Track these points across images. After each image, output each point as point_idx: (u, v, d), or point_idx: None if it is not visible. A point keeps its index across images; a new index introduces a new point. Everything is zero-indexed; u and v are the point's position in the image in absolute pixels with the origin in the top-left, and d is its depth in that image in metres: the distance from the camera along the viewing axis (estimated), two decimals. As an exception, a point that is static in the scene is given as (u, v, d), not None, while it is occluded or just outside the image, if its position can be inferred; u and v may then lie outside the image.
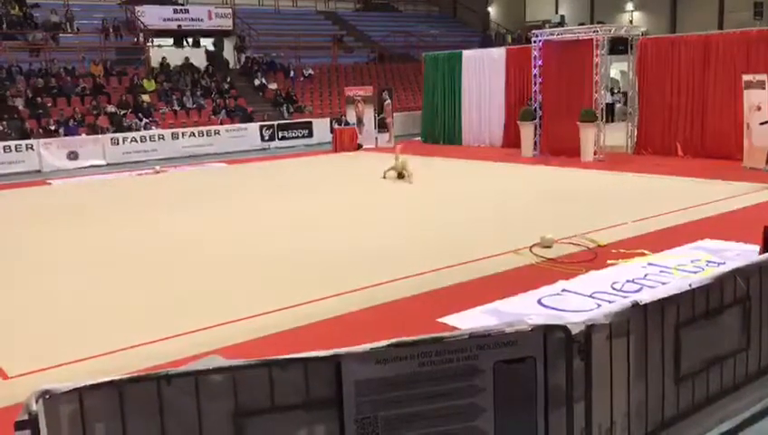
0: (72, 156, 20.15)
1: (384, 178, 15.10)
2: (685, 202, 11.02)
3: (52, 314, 6.96)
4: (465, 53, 22.14)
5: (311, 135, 24.59)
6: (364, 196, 13.70)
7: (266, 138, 23.68)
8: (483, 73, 21.21)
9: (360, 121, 22.83)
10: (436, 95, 22.69)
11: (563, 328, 3.23)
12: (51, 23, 25.54)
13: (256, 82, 27.23)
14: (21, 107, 21.41)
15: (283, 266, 8.38)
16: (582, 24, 28.79)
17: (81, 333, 6.33)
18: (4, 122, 20.31)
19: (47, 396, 2.70)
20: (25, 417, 2.63)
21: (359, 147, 21.99)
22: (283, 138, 24.00)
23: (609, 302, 6.32)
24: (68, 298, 7.45)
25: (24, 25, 25.19)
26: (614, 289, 6.88)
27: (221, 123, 23.49)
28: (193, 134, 22.29)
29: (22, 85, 22.32)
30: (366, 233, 10.06)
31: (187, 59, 26.36)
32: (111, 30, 26.26)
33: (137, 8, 26.97)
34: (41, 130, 20.66)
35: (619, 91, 26.58)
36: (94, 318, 6.77)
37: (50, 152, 19.87)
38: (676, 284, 4.53)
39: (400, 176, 14.96)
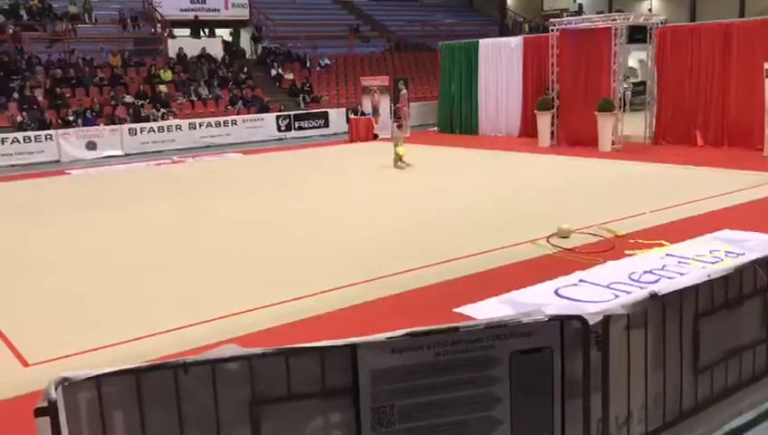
0: (91, 146, 20.31)
1: (395, 167, 15.13)
2: (704, 192, 10.91)
3: (71, 302, 7.03)
4: (482, 42, 21.99)
5: (327, 125, 24.59)
6: (379, 185, 13.69)
7: (283, 128, 23.71)
8: (500, 63, 21.07)
9: (375, 111, 22.79)
10: (453, 85, 22.58)
11: (580, 318, 3.21)
12: (69, 13, 25.69)
13: (273, 73, 27.24)
14: (40, 97, 21.59)
15: (299, 255, 8.40)
16: (601, 12, 28.50)
17: (99, 322, 6.39)
18: (24, 113, 20.50)
19: (66, 383, 2.73)
20: (45, 404, 2.66)
21: (374, 137, 21.95)
22: (300, 128, 24.03)
23: (627, 293, 6.27)
24: (86, 286, 7.52)
25: (44, 16, 25.36)
26: (632, 280, 6.82)
27: (238, 113, 23.55)
28: (210, 124, 22.37)
29: (41, 76, 22.50)
30: (381, 222, 10.06)
31: (203, 49, 26.41)
32: (129, 20, 26.38)
33: (154, -2, 27.08)
34: (59, 121, 20.82)
35: (627, 78, 26.20)
36: (112, 306, 6.83)
37: (68, 142, 20.03)
38: (695, 274, 4.49)
39: (401, 160, 15.18)
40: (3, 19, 24.02)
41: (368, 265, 7.70)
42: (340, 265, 7.88)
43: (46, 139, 19.73)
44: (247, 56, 28.81)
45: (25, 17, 24.80)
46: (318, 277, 7.32)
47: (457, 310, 6.14)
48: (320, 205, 11.74)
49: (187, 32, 28.10)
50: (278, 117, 23.81)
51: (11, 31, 23.48)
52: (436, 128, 23.37)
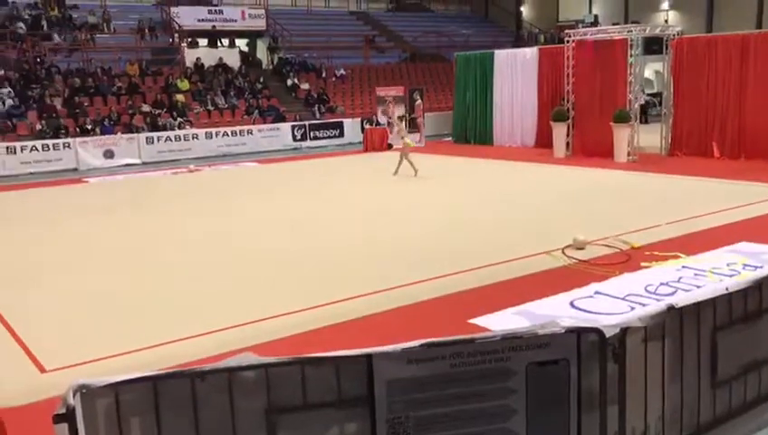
0: (108, 154, 20.47)
1: (415, 175, 15.17)
2: (721, 204, 10.83)
3: (88, 309, 7.08)
4: (498, 52, 22.01)
5: (342, 135, 24.65)
6: (393, 195, 13.70)
7: (298, 138, 23.80)
8: (515, 73, 21.07)
9: (390, 122, 22.82)
10: (468, 95, 22.60)
11: (597, 331, 3.20)
12: (88, 23, 25.99)
13: (289, 83, 27.38)
14: (59, 106, 21.82)
15: (314, 265, 8.42)
16: (616, 23, 28.43)
17: (116, 329, 6.43)
18: (43, 121, 20.72)
19: (84, 390, 2.75)
20: (63, 410, 2.69)
21: (389, 147, 21.98)
22: (315, 137, 24.10)
23: (643, 305, 6.24)
24: (103, 294, 7.57)
25: (63, 26, 25.65)
26: (648, 292, 6.78)
27: (254, 123, 23.68)
28: (226, 134, 22.50)
29: (60, 85, 22.74)
30: (397, 233, 10.06)
31: (220, 59, 26.61)
32: (147, 30, 26.64)
33: (172, 9, 27.33)
34: (78, 129, 21.02)
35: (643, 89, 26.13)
36: (129, 314, 6.87)
37: (86, 151, 20.20)
38: (712, 287, 4.46)
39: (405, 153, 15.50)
40: (24, 29, 24.33)
41: (381, 276, 7.70)
42: (354, 275, 7.89)
43: (64, 147, 19.91)
44: (264, 66, 28.98)
45: (46, 27, 25.10)
46: (331, 287, 7.33)
47: (472, 321, 6.12)
48: (333, 215, 11.77)
49: (204, 41, 28.31)
50: (293, 126, 23.90)
51: (31, 41, 23.78)
52: (450, 138, 23.38)
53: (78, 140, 20.26)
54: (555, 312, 6.18)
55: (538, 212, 11.22)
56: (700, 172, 14.17)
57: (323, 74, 28.41)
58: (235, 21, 28.73)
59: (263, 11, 30.15)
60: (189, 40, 26.79)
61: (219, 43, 27.97)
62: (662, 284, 7.00)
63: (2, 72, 22.18)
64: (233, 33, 28.47)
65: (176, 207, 13.30)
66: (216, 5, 29.90)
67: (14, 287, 7.99)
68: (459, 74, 23.02)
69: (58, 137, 20.22)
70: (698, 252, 8.10)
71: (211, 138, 22.12)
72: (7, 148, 19.10)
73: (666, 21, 32.23)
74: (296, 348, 5.12)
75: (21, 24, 24.49)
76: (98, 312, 6.97)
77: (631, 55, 16.83)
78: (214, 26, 27.94)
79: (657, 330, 3.44)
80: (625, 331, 3.26)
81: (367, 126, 22.78)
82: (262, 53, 29.92)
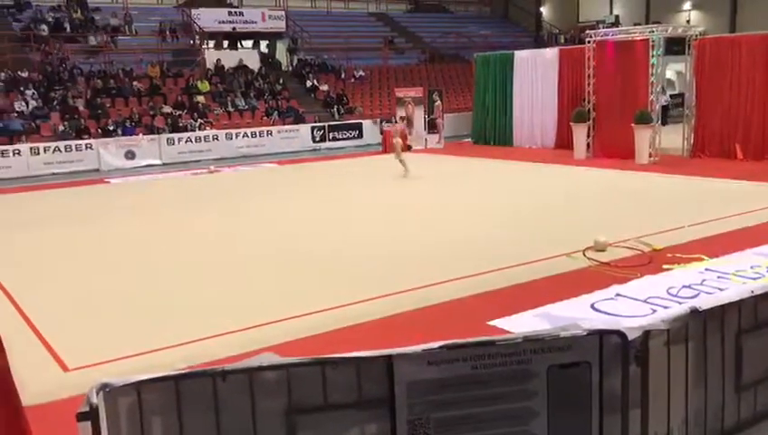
0: (130, 155, 20.67)
1: (404, 176, 15.56)
2: (744, 206, 10.70)
3: (110, 308, 7.14)
4: (518, 53, 21.93)
5: (361, 136, 24.69)
6: (413, 197, 13.69)
7: (317, 139, 23.87)
8: (535, 74, 20.98)
9: (409, 123, 22.82)
10: (488, 96, 22.53)
11: (620, 333, 3.17)
12: (110, 25, 26.25)
13: (308, 84, 27.47)
14: (81, 107, 22.06)
15: (334, 265, 8.43)
16: (638, 24, 28.19)
17: (138, 328, 6.48)
18: (66, 122, 20.96)
19: (107, 389, 2.77)
20: (86, 409, 2.71)
21: (408, 148, 21.95)
22: (334, 139, 24.15)
23: (665, 307, 6.17)
24: (126, 293, 7.63)
25: (86, 28, 25.94)
26: (670, 294, 6.71)
27: (273, 124, 23.78)
28: (246, 135, 22.62)
29: (82, 86, 23.00)
30: (416, 234, 10.05)
31: (240, 60, 26.76)
32: (168, 32, 26.86)
33: (193, 11, 27.52)
34: (99, 130, 21.24)
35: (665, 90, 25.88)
36: (151, 313, 6.92)
37: (108, 151, 20.41)
38: (737, 290, 4.40)
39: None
40: (47, 31, 24.62)
41: (400, 277, 7.69)
42: (374, 275, 7.89)
43: (86, 148, 20.13)
44: (283, 68, 29.10)
45: (68, 29, 25.39)
46: (350, 289, 7.34)
47: (492, 323, 6.10)
48: (352, 215, 11.79)
49: (224, 43, 28.49)
50: (313, 128, 23.98)
51: (54, 43, 24.06)
52: (469, 139, 23.32)
53: (100, 141, 20.49)
54: (575, 314, 6.13)
55: (558, 214, 11.16)
56: (723, 174, 14.02)
57: (342, 75, 28.48)
58: (255, 22, 28.86)
59: (282, 12, 30.29)
60: (215, 42, 26.95)
61: (240, 45, 28.12)
62: (684, 286, 6.93)
63: (26, 73, 22.49)
64: (253, 35, 28.60)
65: (196, 206, 13.38)
66: (236, 7, 30.08)
67: (37, 287, 8.09)
68: (479, 75, 22.96)
69: (80, 138, 20.45)
70: (721, 254, 8.00)
71: (231, 139, 22.26)
72: (31, 149, 19.36)
73: (688, 21, 31.91)
74: (317, 348, 5.13)
75: (44, 27, 24.79)
76: (120, 311, 7.03)
77: (653, 56, 16.69)
78: (234, 28, 28.10)
79: (681, 333, 3.41)
80: (648, 333, 3.22)
81: (386, 127, 22.78)
82: (281, 54, 30.05)
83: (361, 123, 24.93)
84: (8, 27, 24.58)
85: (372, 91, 28.42)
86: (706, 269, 7.49)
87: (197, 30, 27.25)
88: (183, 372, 2.95)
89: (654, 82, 16.73)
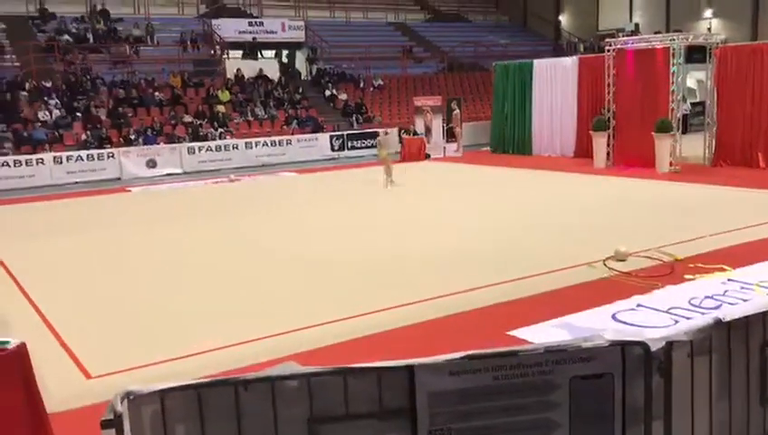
0: (151, 164, 20.86)
1: (386, 187, 15.75)
2: (766, 215, 10.58)
3: (132, 316, 7.20)
4: (537, 62, 21.89)
5: (379, 145, 24.72)
6: (431, 205, 13.68)
7: (336, 147, 23.95)
8: (555, 83, 20.93)
9: (428, 131, 22.85)
10: (507, 105, 22.51)
11: (642, 344, 3.14)
12: (133, 36, 26.58)
13: (327, 93, 27.61)
14: (103, 117, 22.32)
15: (355, 274, 8.46)
16: (658, 32, 28.05)
17: (160, 336, 6.53)
18: (88, 132, 21.21)
19: (131, 397, 2.80)
20: (111, 416, 2.73)
21: (426, 156, 21.99)
22: (353, 147, 24.22)
23: (687, 318, 6.13)
24: (148, 301, 7.70)
25: (108, 39, 26.28)
26: (692, 305, 6.66)
27: (292, 133, 23.91)
28: (266, 144, 22.76)
29: (105, 96, 23.28)
30: (437, 243, 10.04)
31: (260, 70, 26.96)
32: (189, 42, 27.14)
33: (213, 21, 27.80)
34: (121, 139, 21.47)
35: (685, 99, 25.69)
36: (173, 321, 6.98)
37: (129, 160, 20.62)
38: (761, 301, 4.35)
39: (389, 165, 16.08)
40: (71, 42, 24.98)
41: (420, 286, 7.70)
42: (393, 284, 7.90)
43: (108, 157, 20.35)
44: (302, 77, 29.27)
45: (92, 40, 25.74)
46: (370, 297, 7.35)
47: (511, 333, 6.08)
48: (372, 223, 11.80)
49: (243, 52, 28.71)
50: (332, 136, 24.07)
51: (78, 54, 24.40)
52: (488, 148, 23.29)
53: (121, 150, 20.70)
54: (596, 324, 6.09)
55: (578, 223, 11.10)
56: (745, 183, 13.88)
57: (361, 85, 28.58)
58: (275, 33, 29.09)
59: (302, 23, 30.52)
60: (242, 52, 27.19)
61: (260, 55, 28.34)
62: (707, 297, 6.86)
63: (49, 83, 22.81)
64: (273, 45, 28.81)
65: (217, 215, 13.47)
66: (256, 17, 30.33)
67: (60, 295, 8.18)
68: (498, 84, 22.95)
69: (102, 147, 20.69)
70: (744, 265, 7.93)
71: (251, 148, 22.40)
72: (54, 158, 19.60)
73: (709, 29, 31.67)
74: (338, 357, 5.15)
75: (68, 38, 25.15)
76: (142, 319, 7.10)
77: (673, 64, 16.59)
78: (254, 38, 28.33)
79: (704, 344, 3.37)
80: (671, 345, 3.19)
81: (404, 136, 22.82)
82: (301, 64, 30.24)
83: (380, 132, 24.95)
84: (33, 38, 24.96)
85: (391, 101, 28.49)
86: (729, 280, 7.41)
87: (218, 40, 27.50)
88: (206, 380, 2.97)
89: (674, 91, 16.62)
